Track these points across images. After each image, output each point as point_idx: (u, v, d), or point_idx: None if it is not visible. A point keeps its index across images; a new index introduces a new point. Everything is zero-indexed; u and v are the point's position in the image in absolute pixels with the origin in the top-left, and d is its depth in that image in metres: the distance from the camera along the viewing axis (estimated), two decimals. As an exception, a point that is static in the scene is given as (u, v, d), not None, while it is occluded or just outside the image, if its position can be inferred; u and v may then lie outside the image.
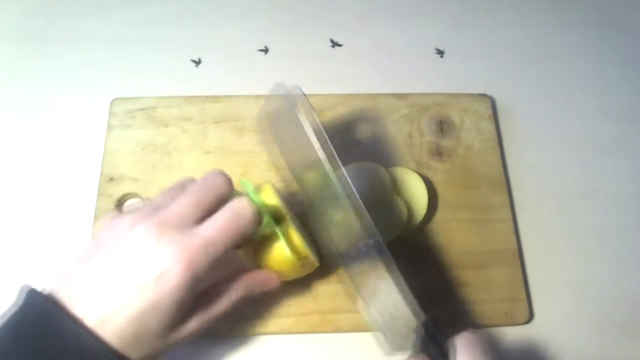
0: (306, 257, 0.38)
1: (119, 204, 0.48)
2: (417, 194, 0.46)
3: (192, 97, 0.52)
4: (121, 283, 0.31)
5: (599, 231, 0.50)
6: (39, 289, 0.32)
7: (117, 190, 0.48)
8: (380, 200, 0.45)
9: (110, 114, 0.51)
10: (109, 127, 0.51)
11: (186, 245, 0.31)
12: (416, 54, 0.58)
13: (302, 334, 0.43)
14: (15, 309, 0.31)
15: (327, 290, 0.44)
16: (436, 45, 0.59)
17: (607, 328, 0.45)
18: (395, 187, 0.46)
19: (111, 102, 0.52)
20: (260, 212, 0.35)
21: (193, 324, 0.34)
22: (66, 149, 0.51)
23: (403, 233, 0.45)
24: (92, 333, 0.30)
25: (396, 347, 0.37)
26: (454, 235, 0.47)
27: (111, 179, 0.48)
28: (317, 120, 0.38)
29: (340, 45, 0.59)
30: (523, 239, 0.48)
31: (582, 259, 0.48)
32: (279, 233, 0.37)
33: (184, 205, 0.33)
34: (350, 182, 0.36)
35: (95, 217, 0.46)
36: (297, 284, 0.44)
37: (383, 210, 0.45)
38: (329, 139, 0.52)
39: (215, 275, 0.35)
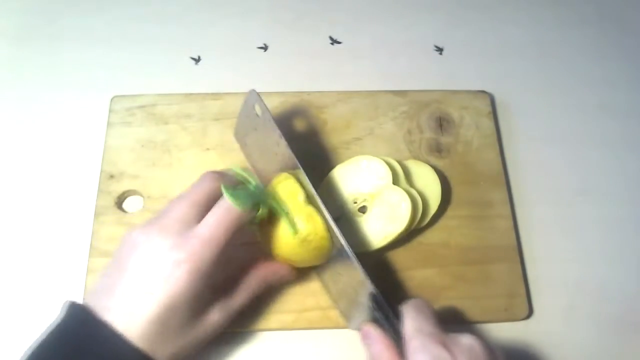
0: (308, 236, 0.38)
1: (119, 201, 0.48)
2: (430, 185, 0.47)
3: (191, 94, 0.52)
4: (135, 291, 0.34)
5: (598, 227, 0.50)
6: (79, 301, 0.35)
7: (117, 188, 0.48)
8: (379, 193, 0.45)
9: (110, 111, 0.51)
10: (109, 124, 0.51)
11: (186, 247, 0.34)
12: (415, 51, 0.58)
13: (302, 330, 0.44)
14: (59, 320, 0.34)
15: (327, 287, 0.44)
16: (435, 42, 0.59)
17: (606, 323, 0.45)
18: (408, 179, 0.46)
19: (111, 100, 0.52)
20: (254, 200, 0.37)
21: (214, 317, 0.37)
22: (66, 146, 0.52)
23: (418, 225, 0.45)
24: (124, 338, 0.33)
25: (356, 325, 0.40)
26: (453, 231, 0.47)
27: (111, 176, 0.48)
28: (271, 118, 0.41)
29: (339, 43, 0.59)
30: (522, 235, 0.49)
31: (581, 254, 0.48)
32: (282, 213, 0.38)
33: (180, 207, 0.36)
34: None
35: (95, 214, 0.47)
36: (297, 280, 0.44)
37: (383, 203, 0.45)
38: (328, 137, 0.52)
39: (231, 267, 0.39)
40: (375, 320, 0.37)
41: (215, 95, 0.52)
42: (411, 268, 0.46)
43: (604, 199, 0.51)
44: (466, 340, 0.33)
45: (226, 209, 0.36)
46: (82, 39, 0.58)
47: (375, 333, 0.36)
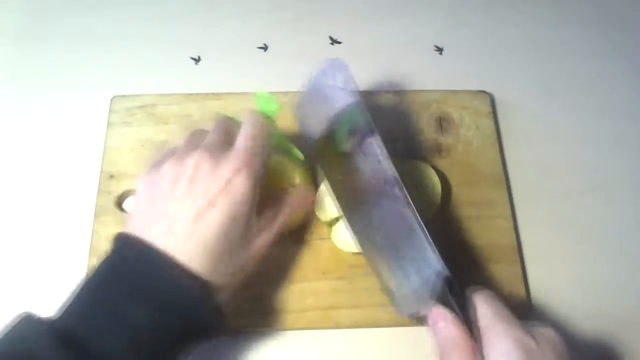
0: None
1: (119, 201, 0.48)
2: (430, 186, 0.47)
3: (192, 94, 0.52)
4: (194, 207, 0.34)
5: (598, 227, 0.50)
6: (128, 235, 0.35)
7: (117, 187, 0.48)
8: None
9: (110, 111, 0.51)
10: (109, 124, 0.51)
11: (236, 156, 0.36)
12: (415, 51, 0.59)
13: (302, 329, 0.44)
14: (110, 252, 0.35)
15: (327, 287, 0.44)
16: (435, 42, 0.59)
17: (606, 322, 0.45)
18: (408, 179, 0.46)
19: (111, 100, 0.52)
20: (268, 116, 0.41)
21: (262, 239, 0.38)
22: (66, 146, 0.52)
23: None
24: (181, 264, 0.33)
25: (408, 313, 0.39)
26: (453, 231, 0.47)
27: (111, 176, 0.48)
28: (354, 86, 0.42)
29: (339, 43, 0.59)
30: (522, 235, 0.49)
31: (581, 254, 0.48)
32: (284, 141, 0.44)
33: (217, 138, 0.38)
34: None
35: (95, 214, 0.47)
36: (297, 280, 0.44)
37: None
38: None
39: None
40: (444, 304, 0.35)
41: (215, 95, 0.52)
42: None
43: (604, 198, 0.51)
44: (548, 331, 0.32)
45: (254, 120, 0.38)
46: (82, 39, 0.58)
47: (450, 316, 0.34)
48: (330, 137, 0.43)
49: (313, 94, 0.45)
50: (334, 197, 0.44)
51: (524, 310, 0.45)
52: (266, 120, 0.40)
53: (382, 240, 0.41)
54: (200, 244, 0.33)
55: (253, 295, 0.44)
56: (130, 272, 0.33)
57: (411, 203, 0.37)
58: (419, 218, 0.37)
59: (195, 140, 0.39)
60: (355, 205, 0.43)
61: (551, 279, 0.47)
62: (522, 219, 0.49)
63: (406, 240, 0.38)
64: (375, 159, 0.40)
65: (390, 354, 0.43)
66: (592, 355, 0.44)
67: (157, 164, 0.37)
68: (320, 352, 0.44)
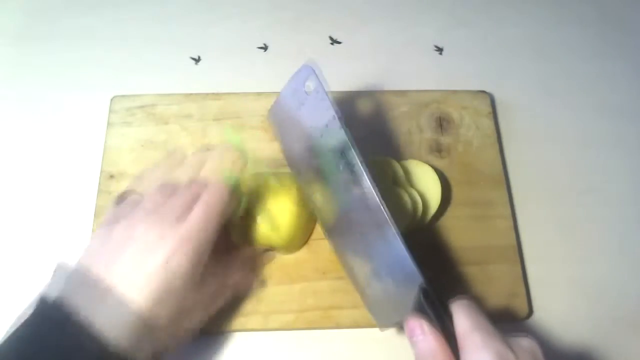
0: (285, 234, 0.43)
1: (119, 201, 0.48)
2: (430, 186, 0.47)
3: (192, 94, 0.52)
4: (132, 271, 0.34)
5: (598, 227, 0.50)
6: (50, 295, 0.34)
7: (117, 187, 0.48)
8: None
9: (110, 111, 0.51)
10: (109, 124, 0.51)
11: (182, 233, 0.35)
12: (415, 51, 0.59)
13: (302, 330, 0.43)
14: (28, 317, 0.33)
15: (327, 287, 0.44)
16: (435, 42, 0.59)
17: (606, 323, 0.45)
18: (408, 179, 0.46)
19: (111, 100, 0.52)
20: (237, 191, 0.39)
21: (196, 315, 0.38)
22: (66, 146, 0.52)
23: (418, 225, 0.45)
24: (101, 333, 0.32)
25: (387, 323, 0.40)
26: (453, 231, 0.47)
27: (111, 176, 0.48)
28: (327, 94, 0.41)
29: (339, 43, 0.59)
30: (522, 235, 0.49)
31: (581, 254, 0.48)
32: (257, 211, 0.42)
33: (176, 204, 0.37)
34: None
35: (95, 214, 0.47)
36: (297, 280, 0.44)
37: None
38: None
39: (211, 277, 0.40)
40: (421, 312, 0.34)
41: (215, 95, 0.52)
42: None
43: (604, 198, 0.51)
44: (527, 342, 0.32)
45: (215, 197, 0.37)
46: (82, 39, 0.58)
47: (427, 327, 0.33)
48: (313, 169, 0.43)
49: (284, 101, 0.45)
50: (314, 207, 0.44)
51: (523, 311, 0.45)
52: (228, 192, 0.38)
53: (359, 247, 0.41)
54: (128, 313, 0.33)
55: (253, 296, 0.44)
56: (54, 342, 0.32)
57: (387, 211, 0.36)
58: (396, 226, 0.36)
59: (164, 189, 0.39)
60: (334, 218, 0.43)
61: (551, 279, 0.47)
62: (522, 219, 0.49)
63: (382, 248, 0.38)
64: (353, 170, 0.39)
65: (390, 354, 0.43)
66: (591, 355, 0.44)
67: (115, 213, 0.38)
68: (320, 352, 0.44)
